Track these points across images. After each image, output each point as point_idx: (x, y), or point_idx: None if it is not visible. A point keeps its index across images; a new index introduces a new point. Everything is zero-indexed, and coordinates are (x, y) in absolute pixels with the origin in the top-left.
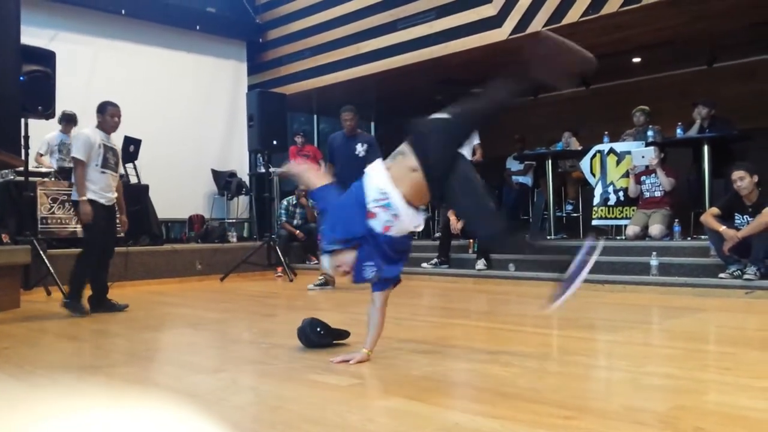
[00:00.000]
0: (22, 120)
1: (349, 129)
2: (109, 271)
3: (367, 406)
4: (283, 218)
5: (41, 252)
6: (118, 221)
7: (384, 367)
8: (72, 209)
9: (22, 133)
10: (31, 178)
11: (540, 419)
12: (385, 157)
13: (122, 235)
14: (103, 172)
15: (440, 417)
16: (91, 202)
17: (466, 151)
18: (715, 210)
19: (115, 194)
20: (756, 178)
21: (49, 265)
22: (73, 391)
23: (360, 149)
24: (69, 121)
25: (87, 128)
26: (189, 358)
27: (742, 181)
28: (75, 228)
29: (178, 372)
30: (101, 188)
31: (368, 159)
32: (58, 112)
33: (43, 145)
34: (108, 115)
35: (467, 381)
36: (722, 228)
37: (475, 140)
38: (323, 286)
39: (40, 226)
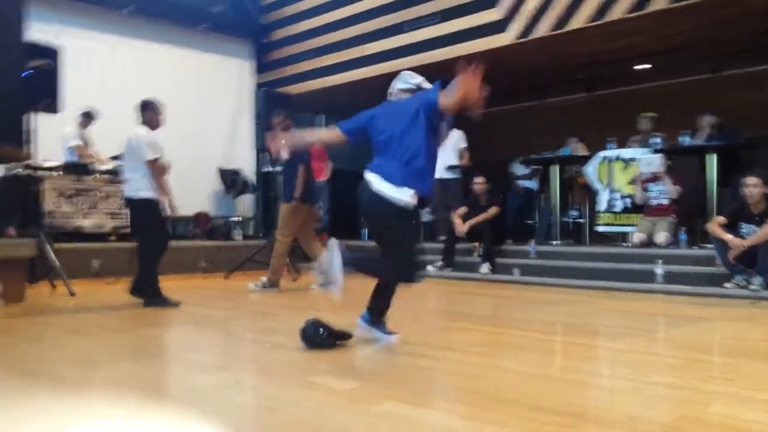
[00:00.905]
0: (29, 114)
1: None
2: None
3: (365, 410)
4: None
5: (47, 245)
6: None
7: (385, 370)
8: (134, 208)
9: (24, 128)
10: (38, 173)
11: (539, 426)
12: None
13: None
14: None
15: (440, 422)
16: (157, 202)
17: (452, 156)
18: (721, 218)
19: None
20: (767, 189)
21: (54, 258)
22: (75, 387)
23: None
24: (88, 117)
25: (142, 128)
26: (192, 356)
27: (755, 188)
28: (81, 222)
29: (181, 370)
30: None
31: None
32: (71, 108)
33: (74, 138)
34: (155, 112)
35: (468, 386)
36: (728, 237)
37: (461, 144)
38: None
39: (46, 219)
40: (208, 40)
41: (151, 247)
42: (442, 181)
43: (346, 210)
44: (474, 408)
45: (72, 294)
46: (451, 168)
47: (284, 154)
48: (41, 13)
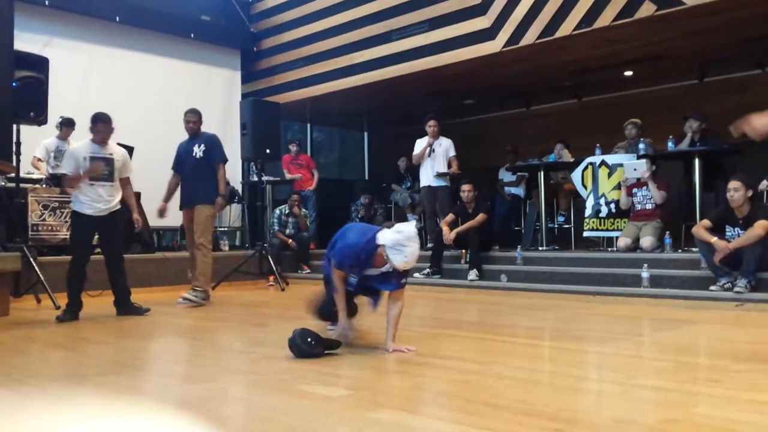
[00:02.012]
0: (14, 126)
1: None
2: (125, 276)
3: (357, 417)
4: (276, 227)
5: (31, 259)
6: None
7: (374, 377)
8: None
9: (14, 140)
10: (22, 185)
11: (530, 431)
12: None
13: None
14: (92, 184)
15: (430, 428)
16: (77, 213)
17: (442, 164)
18: (706, 222)
19: (111, 204)
20: (750, 193)
21: (39, 272)
22: (61, 401)
23: (197, 150)
24: (67, 126)
25: (80, 141)
26: (178, 368)
27: (737, 192)
28: (66, 235)
29: (168, 382)
30: (91, 200)
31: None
32: (55, 118)
33: (41, 149)
34: (98, 127)
35: (458, 392)
36: (714, 239)
37: (451, 152)
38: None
39: (30, 233)
40: (197, 50)
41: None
42: (431, 188)
43: (333, 218)
44: (464, 414)
45: (57, 307)
46: (440, 175)
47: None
48: (28, 24)
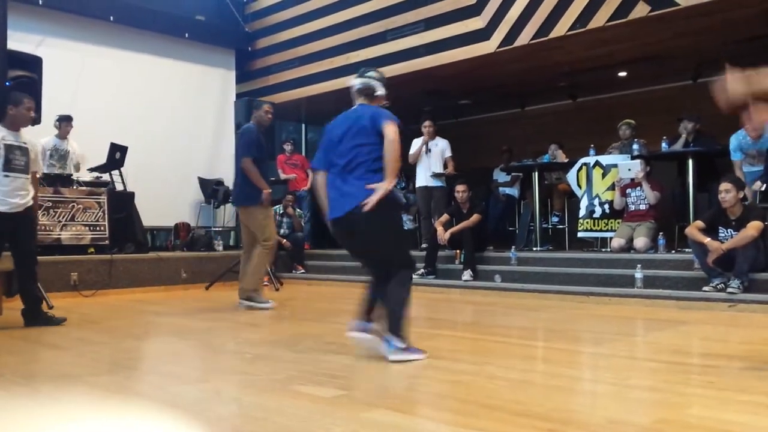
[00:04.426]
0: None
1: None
2: (38, 280)
3: (351, 417)
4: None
5: None
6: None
7: (368, 378)
8: None
9: None
10: None
11: (523, 431)
12: None
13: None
14: (6, 175)
15: (424, 429)
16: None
17: (438, 164)
18: (699, 223)
19: (26, 199)
20: (741, 194)
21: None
22: (54, 401)
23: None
24: (66, 122)
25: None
26: (172, 368)
27: (728, 193)
28: (59, 235)
29: (161, 382)
30: (3, 193)
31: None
32: (49, 118)
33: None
34: (12, 108)
35: (452, 392)
36: (707, 240)
37: (447, 153)
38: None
39: None
40: (191, 50)
41: None
42: (427, 188)
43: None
44: (459, 415)
45: (50, 307)
46: (436, 176)
47: None
48: (21, 23)
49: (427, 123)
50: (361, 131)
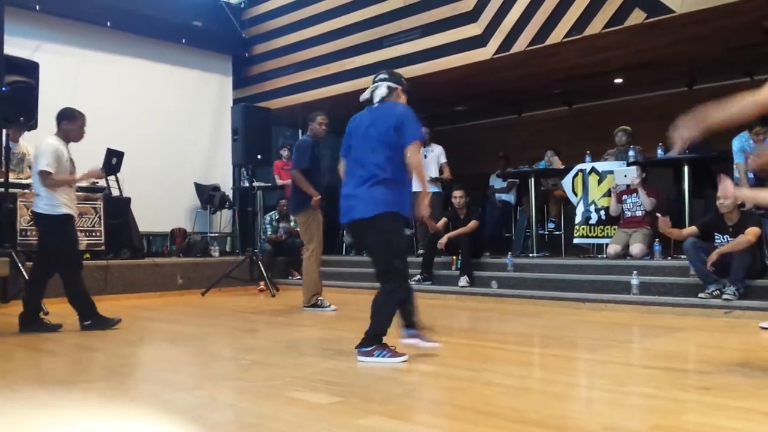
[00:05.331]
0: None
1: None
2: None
3: (347, 424)
4: (269, 231)
5: (20, 264)
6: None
7: (364, 384)
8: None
9: (3, 144)
10: (11, 190)
11: None
12: None
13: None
14: (70, 186)
15: None
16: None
17: (433, 170)
18: (693, 229)
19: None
20: (739, 201)
21: (27, 277)
22: (49, 407)
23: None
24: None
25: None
26: (168, 375)
27: (726, 199)
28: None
29: (156, 388)
30: (69, 200)
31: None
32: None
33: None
34: (66, 123)
35: (448, 399)
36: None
37: (442, 159)
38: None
39: (19, 238)
40: (188, 55)
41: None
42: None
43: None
44: (456, 421)
45: (45, 313)
46: (432, 181)
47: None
48: (18, 28)
49: (424, 129)
50: (383, 139)
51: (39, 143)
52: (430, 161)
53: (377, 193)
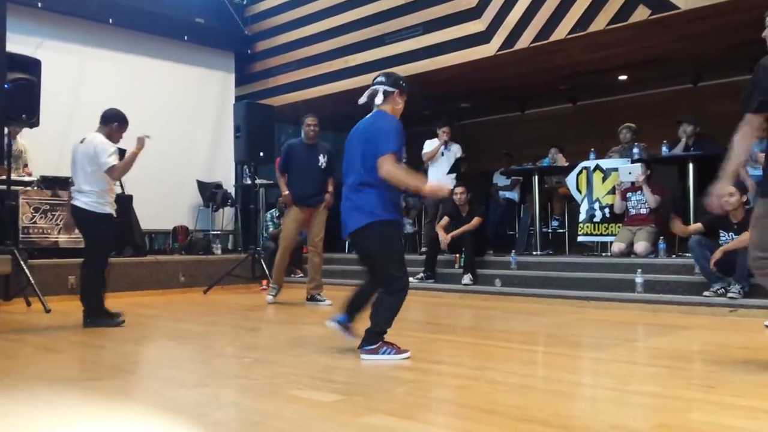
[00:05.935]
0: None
1: (311, 137)
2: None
3: (349, 422)
4: (271, 228)
5: (22, 262)
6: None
7: (367, 382)
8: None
9: (5, 141)
10: (13, 187)
11: None
12: None
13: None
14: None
15: None
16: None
17: (447, 168)
18: (698, 226)
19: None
20: (745, 198)
21: (29, 275)
22: (52, 405)
23: (322, 160)
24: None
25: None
26: (170, 372)
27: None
28: (57, 238)
29: (159, 386)
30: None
31: (327, 171)
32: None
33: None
34: (115, 126)
35: (452, 397)
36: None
37: (459, 154)
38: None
39: (21, 235)
40: (191, 52)
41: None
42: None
43: (327, 221)
44: (460, 420)
45: (47, 311)
46: (451, 172)
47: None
48: (20, 25)
49: (445, 129)
50: (366, 147)
51: (91, 142)
52: (448, 159)
53: (364, 202)
